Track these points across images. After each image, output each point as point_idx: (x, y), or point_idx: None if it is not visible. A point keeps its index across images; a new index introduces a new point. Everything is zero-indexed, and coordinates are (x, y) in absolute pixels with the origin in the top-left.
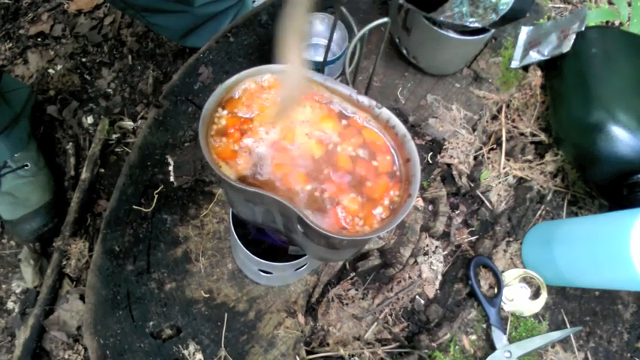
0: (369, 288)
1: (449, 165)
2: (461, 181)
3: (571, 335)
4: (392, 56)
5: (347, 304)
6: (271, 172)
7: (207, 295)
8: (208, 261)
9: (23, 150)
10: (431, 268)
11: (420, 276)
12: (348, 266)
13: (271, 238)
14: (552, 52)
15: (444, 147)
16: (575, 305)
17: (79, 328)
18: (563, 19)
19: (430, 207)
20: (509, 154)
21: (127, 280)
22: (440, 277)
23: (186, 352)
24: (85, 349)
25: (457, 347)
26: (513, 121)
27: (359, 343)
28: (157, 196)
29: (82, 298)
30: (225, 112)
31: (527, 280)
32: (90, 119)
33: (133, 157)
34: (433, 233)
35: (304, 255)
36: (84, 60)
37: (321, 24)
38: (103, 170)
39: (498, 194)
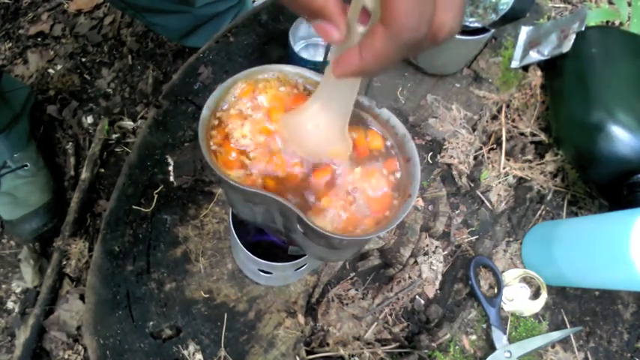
0: (369, 288)
1: (449, 165)
2: (461, 181)
3: (571, 335)
4: None
5: (347, 304)
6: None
7: (207, 295)
8: (208, 261)
9: (23, 150)
10: (431, 268)
11: (420, 276)
12: (348, 266)
13: (271, 238)
14: (552, 52)
15: (444, 147)
16: (575, 305)
17: (79, 328)
18: (563, 19)
19: (430, 207)
20: (509, 154)
21: (126, 280)
22: (440, 277)
23: (186, 352)
24: (85, 349)
25: (457, 347)
26: (513, 121)
27: (359, 343)
28: (156, 196)
29: (82, 298)
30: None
31: (527, 280)
32: (90, 119)
33: (132, 157)
34: (433, 233)
35: (304, 255)
36: (84, 60)
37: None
38: (102, 170)
39: (498, 194)
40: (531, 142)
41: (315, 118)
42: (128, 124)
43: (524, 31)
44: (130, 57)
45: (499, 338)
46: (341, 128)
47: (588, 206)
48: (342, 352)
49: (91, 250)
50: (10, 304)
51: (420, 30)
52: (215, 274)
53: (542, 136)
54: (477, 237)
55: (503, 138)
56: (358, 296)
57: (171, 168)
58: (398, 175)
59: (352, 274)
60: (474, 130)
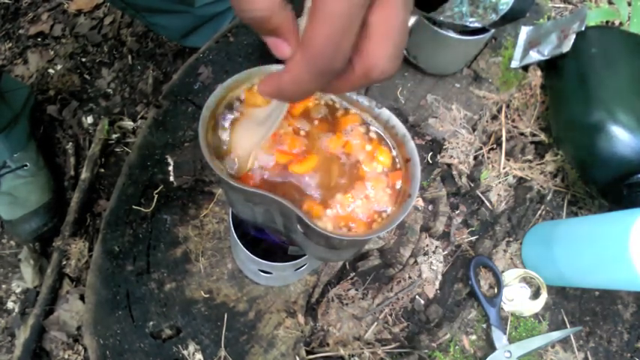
0: (369, 288)
1: (449, 165)
2: (461, 181)
3: (571, 335)
4: None
5: (347, 304)
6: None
7: (207, 295)
8: (208, 261)
9: (23, 150)
10: (431, 268)
11: (420, 276)
12: (348, 266)
13: (271, 238)
14: (552, 52)
15: (444, 147)
16: (575, 305)
17: (79, 328)
18: (563, 19)
19: (430, 207)
20: (509, 154)
21: (126, 280)
22: (440, 277)
23: (185, 352)
24: (85, 349)
25: (457, 347)
26: (513, 121)
27: (359, 343)
28: (156, 196)
29: (82, 298)
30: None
31: (527, 280)
32: (90, 119)
33: (132, 157)
34: (433, 233)
35: (304, 255)
36: (84, 60)
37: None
38: (103, 170)
39: (498, 194)
40: (531, 142)
41: (247, 127)
42: (128, 124)
43: (524, 31)
44: (130, 57)
45: (499, 338)
46: (251, 148)
47: (588, 206)
48: (342, 352)
49: (91, 250)
50: (10, 304)
51: (334, 59)
52: (215, 274)
53: (542, 136)
54: (477, 237)
55: (503, 138)
56: (358, 296)
57: (171, 168)
58: (398, 185)
59: (352, 274)
60: (474, 130)
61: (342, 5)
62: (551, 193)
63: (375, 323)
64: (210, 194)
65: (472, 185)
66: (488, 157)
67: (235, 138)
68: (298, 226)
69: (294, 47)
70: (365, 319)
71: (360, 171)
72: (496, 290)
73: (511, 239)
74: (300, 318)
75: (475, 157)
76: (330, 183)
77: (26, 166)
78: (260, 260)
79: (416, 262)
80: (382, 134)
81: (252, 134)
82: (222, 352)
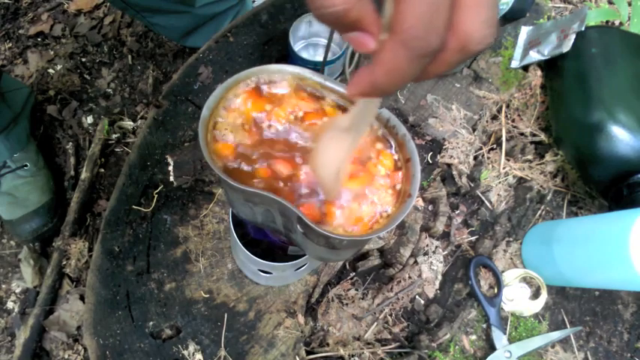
0: (369, 288)
1: (449, 165)
2: (461, 181)
3: (571, 335)
4: None
5: (347, 304)
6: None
7: (207, 295)
8: (208, 261)
9: (22, 150)
10: (431, 268)
11: (420, 276)
12: (348, 266)
13: (271, 238)
14: (552, 52)
15: (444, 147)
16: (575, 305)
17: (79, 328)
18: (563, 18)
19: (430, 207)
20: (509, 154)
21: (126, 280)
22: (440, 277)
23: (185, 352)
24: (85, 349)
25: (457, 347)
26: (513, 121)
27: (359, 343)
28: (156, 196)
29: (82, 298)
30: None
31: (527, 280)
32: (90, 119)
33: (132, 157)
34: (433, 233)
35: (304, 255)
36: (84, 60)
37: (321, 24)
38: (103, 170)
39: (498, 194)
40: (531, 142)
41: (331, 137)
42: (128, 124)
43: (524, 31)
44: (130, 57)
45: (499, 338)
46: (340, 162)
47: (588, 206)
48: (342, 352)
49: (91, 250)
50: (10, 304)
51: (430, 39)
52: (215, 274)
53: (542, 136)
54: (477, 237)
55: (503, 138)
56: (358, 296)
57: (171, 168)
58: (398, 186)
59: (352, 274)
60: (474, 130)
61: None
62: (551, 193)
63: (375, 323)
64: (210, 194)
65: (472, 185)
66: (488, 157)
67: (319, 159)
68: (298, 227)
69: (378, 39)
70: (365, 319)
71: (369, 171)
72: (496, 290)
73: (511, 239)
74: (300, 318)
75: (475, 157)
76: (356, 189)
77: (26, 166)
78: (260, 260)
79: (416, 262)
80: (384, 133)
81: (339, 146)
82: (222, 352)
